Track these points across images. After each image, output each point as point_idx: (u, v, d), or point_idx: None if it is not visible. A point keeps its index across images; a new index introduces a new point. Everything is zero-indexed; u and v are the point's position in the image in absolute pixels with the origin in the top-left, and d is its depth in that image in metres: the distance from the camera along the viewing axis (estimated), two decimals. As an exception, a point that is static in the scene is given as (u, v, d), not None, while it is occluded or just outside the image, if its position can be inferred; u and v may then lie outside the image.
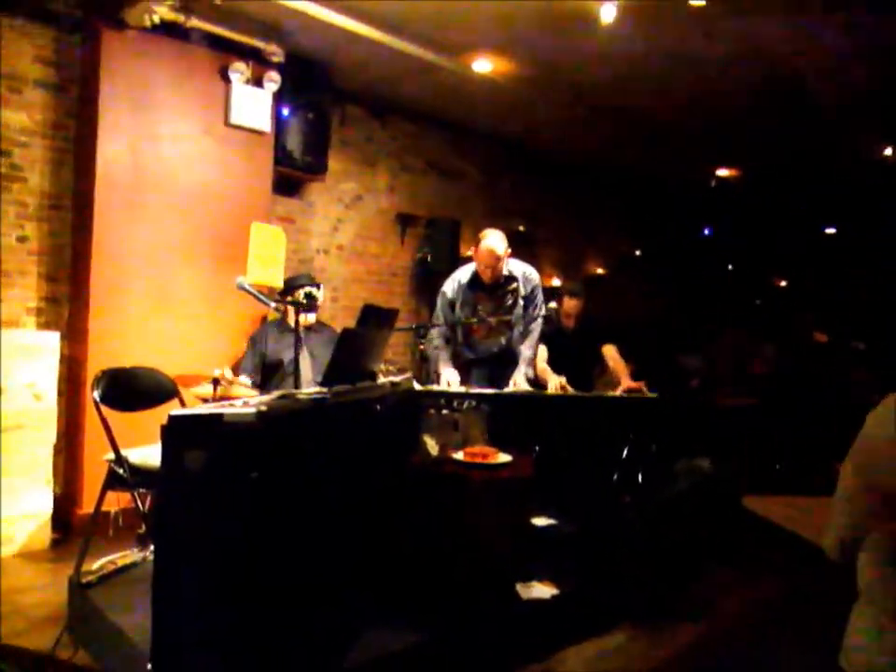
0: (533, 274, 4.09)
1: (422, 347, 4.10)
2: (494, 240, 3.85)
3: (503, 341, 4.06)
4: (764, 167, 7.59)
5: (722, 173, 7.97)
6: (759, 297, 10.87)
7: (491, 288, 3.99)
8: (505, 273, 3.97)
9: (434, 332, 4.00)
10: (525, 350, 3.99)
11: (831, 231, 10.41)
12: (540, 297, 4.07)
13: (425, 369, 4.29)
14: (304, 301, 3.61)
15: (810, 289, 10.95)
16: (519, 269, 4.04)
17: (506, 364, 3.98)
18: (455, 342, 4.07)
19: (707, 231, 10.00)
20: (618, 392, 4.03)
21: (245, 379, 3.91)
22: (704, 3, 3.84)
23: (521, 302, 4.01)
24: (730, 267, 10.69)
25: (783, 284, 11.72)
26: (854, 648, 1.25)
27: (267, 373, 4.06)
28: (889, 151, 6.48)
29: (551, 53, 4.79)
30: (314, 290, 3.90)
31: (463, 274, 4.02)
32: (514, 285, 4.01)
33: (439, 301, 4.06)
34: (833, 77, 4.97)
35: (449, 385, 3.77)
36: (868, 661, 1.20)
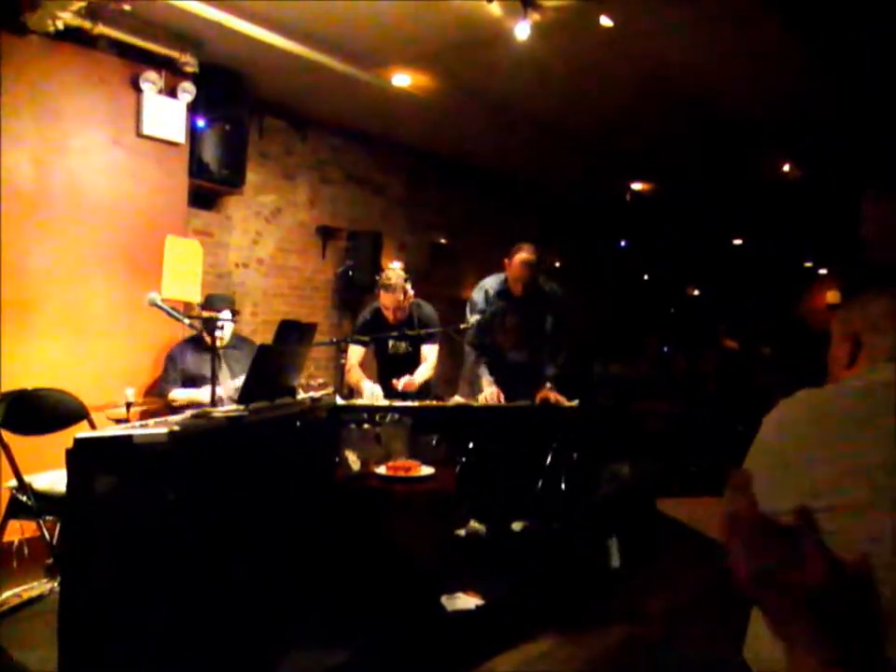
0: (561, 293, 4.18)
1: (465, 355, 4.18)
2: (528, 253, 3.96)
3: (527, 354, 4.12)
4: (676, 182, 7.91)
5: (637, 187, 8.25)
6: (673, 305, 11.29)
7: (520, 301, 4.04)
8: (546, 289, 4.11)
9: (469, 345, 4.09)
10: (549, 368, 4.06)
11: (738, 241, 10.94)
12: (565, 317, 4.18)
13: (347, 383, 4.26)
14: (217, 318, 3.51)
15: (720, 298, 11.47)
16: (548, 286, 4.14)
17: (527, 377, 4.04)
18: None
19: (623, 243, 10.32)
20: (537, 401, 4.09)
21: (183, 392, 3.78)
22: (612, 24, 3.98)
23: (549, 319, 4.10)
24: (645, 277, 11.06)
25: (696, 293, 12.23)
26: (754, 639, 1.31)
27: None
28: (787, 168, 6.86)
29: (468, 69, 4.86)
30: (221, 315, 3.78)
31: (491, 284, 4.10)
32: (545, 300, 4.10)
33: (468, 311, 4.11)
34: (737, 97, 5.24)
35: (493, 398, 3.87)
36: (767, 650, 1.25)
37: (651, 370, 7.22)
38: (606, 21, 3.96)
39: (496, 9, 3.93)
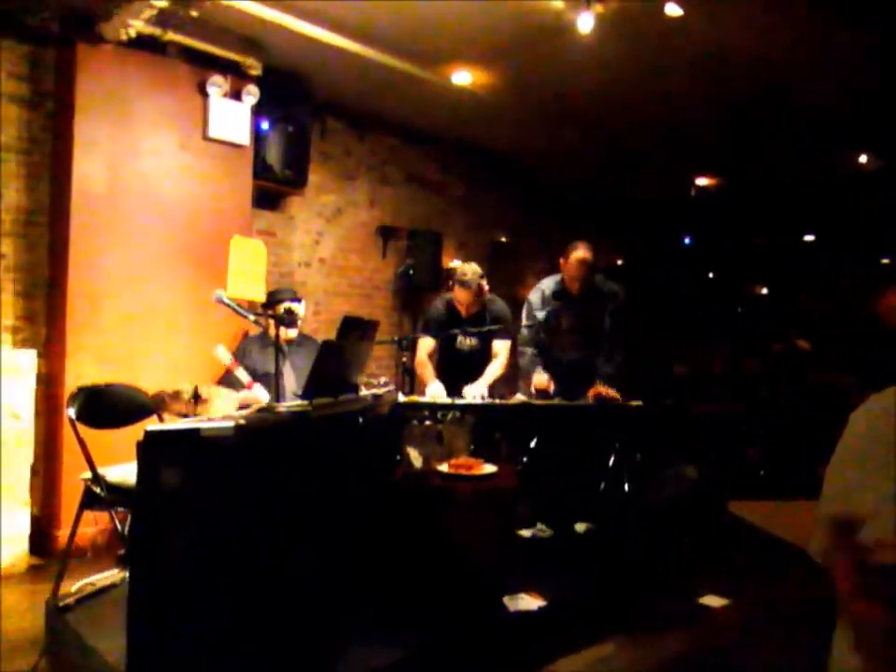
0: (620, 293, 4.11)
1: (518, 354, 4.16)
2: (585, 251, 3.92)
3: (583, 354, 4.08)
4: (744, 176, 7.66)
5: (702, 182, 8.03)
6: (740, 305, 10.94)
7: (577, 301, 4.01)
8: (604, 289, 4.07)
9: (521, 345, 4.09)
10: (605, 367, 4.02)
11: (809, 238, 10.52)
12: (623, 316, 4.11)
13: (408, 381, 4.26)
14: (284, 316, 3.57)
15: (790, 297, 11.04)
16: (606, 286, 4.08)
17: (584, 377, 3.99)
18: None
19: (687, 240, 10.07)
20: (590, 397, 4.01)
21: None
22: (681, 13, 3.87)
23: (607, 319, 4.05)
24: (710, 275, 10.76)
25: (764, 291, 11.82)
26: (840, 664, 1.23)
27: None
28: (864, 159, 6.56)
29: (529, 65, 4.81)
30: (293, 305, 3.88)
31: (548, 284, 4.09)
32: (602, 300, 4.06)
33: (524, 311, 4.13)
34: (810, 85, 5.03)
35: (544, 384, 3.87)
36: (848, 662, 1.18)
37: (718, 370, 7.01)
38: (674, 11, 3.85)
39: (557, 2, 3.87)
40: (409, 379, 4.25)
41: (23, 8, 3.94)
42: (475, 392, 3.93)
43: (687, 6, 3.85)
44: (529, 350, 4.07)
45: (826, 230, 9.94)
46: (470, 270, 4.06)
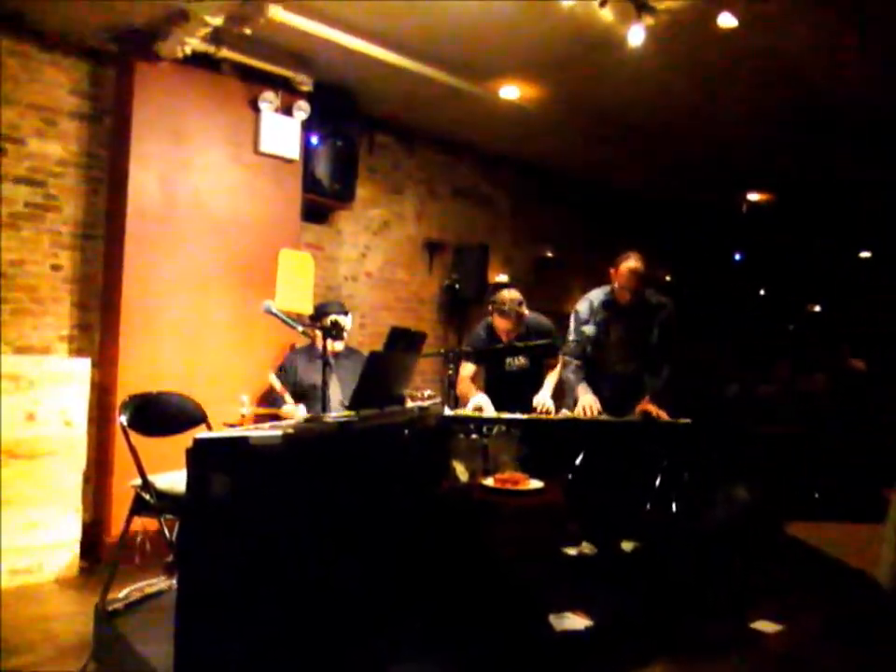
0: (669, 305, 4.02)
1: (563, 365, 4.06)
2: (636, 261, 3.86)
3: (631, 368, 3.99)
4: (797, 191, 7.48)
5: (753, 197, 7.87)
6: (792, 323, 10.66)
7: (625, 312, 3.96)
8: (653, 301, 3.98)
9: (566, 356, 4.03)
10: (652, 381, 3.91)
11: (866, 255, 10.21)
12: (672, 329, 3.99)
13: (453, 395, 4.24)
14: (331, 329, 3.59)
15: (845, 315, 10.72)
16: (655, 298, 4.01)
17: (632, 390, 3.91)
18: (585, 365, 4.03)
19: (738, 257, 9.86)
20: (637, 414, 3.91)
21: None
22: (736, 24, 3.80)
23: (655, 331, 3.95)
24: (762, 293, 10.51)
25: (817, 309, 11.49)
26: (885, 565, 1.16)
27: (297, 400, 4.07)
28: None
29: (578, 79, 4.78)
30: (340, 318, 3.90)
31: (596, 295, 4.05)
32: (651, 313, 3.98)
33: (572, 322, 4.07)
34: (864, 97, 4.90)
35: (588, 409, 3.74)
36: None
37: (772, 389, 6.82)
38: (728, 22, 3.79)
39: (607, 15, 3.84)
40: (453, 393, 4.23)
41: (85, 28, 4.08)
42: (542, 399, 3.92)
43: (740, 15, 3.78)
44: (574, 362, 4.01)
45: (883, 246, 9.65)
46: (509, 298, 4.02)
